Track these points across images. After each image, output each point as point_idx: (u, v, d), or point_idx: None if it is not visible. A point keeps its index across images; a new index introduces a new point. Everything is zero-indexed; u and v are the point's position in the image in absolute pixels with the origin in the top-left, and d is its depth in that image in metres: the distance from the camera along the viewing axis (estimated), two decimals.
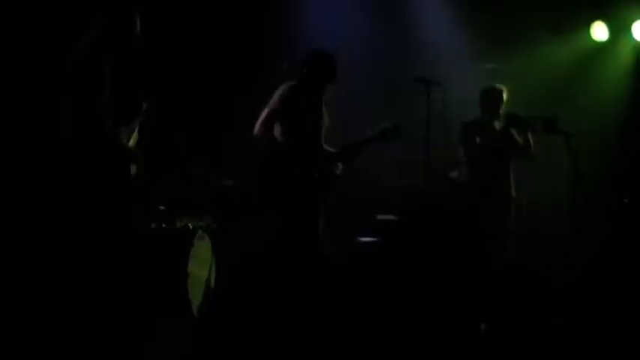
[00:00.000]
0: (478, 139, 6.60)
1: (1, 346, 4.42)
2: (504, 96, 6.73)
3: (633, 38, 7.85)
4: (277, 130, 5.53)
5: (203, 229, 6.43)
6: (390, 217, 6.94)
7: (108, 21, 4.90)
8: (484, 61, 8.11)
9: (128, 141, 5.18)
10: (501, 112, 6.70)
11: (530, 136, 6.63)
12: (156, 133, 5.46)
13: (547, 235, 7.44)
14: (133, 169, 5.12)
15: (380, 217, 7.25)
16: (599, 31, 7.92)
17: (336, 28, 7.81)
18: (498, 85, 6.78)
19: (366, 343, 2.17)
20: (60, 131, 4.82)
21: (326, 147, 5.77)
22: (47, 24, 6.13)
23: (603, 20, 7.88)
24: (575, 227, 6.02)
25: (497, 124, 6.69)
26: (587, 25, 7.95)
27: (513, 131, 6.68)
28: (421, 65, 6.83)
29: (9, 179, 5.67)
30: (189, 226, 6.41)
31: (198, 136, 7.32)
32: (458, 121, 6.52)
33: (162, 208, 6.49)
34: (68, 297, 4.70)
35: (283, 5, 7.99)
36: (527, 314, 2.93)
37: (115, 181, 4.86)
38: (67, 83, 4.86)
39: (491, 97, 6.74)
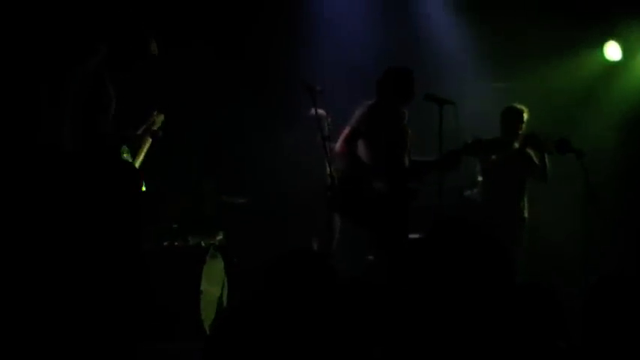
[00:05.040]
0: (494, 156, 6.59)
1: None
2: (524, 116, 6.71)
3: None
4: (361, 148, 5.60)
5: (215, 247, 6.43)
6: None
7: (115, 41, 4.93)
8: (496, 80, 8.10)
9: (135, 155, 5.20)
10: (521, 132, 6.68)
11: (547, 159, 6.62)
12: (167, 149, 5.47)
13: (559, 254, 7.40)
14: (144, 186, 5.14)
15: None
16: (612, 51, 7.91)
17: (348, 44, 7.83)
18: (519, 106, 6.76)
19: (378, 358, 2.16)
20: (63, 146, 4.83)
21: (416, 158, 5.83)
22: (58, 37, 6.16)
23: (616, 40, 7.87)
24: (588, 246, 5.98)
25: (517, 145, 6.68)
26: (600, 45, 7.94)
27: (531, 152, 6.68)
28: (433, 83, 6.80)
29: (15, 192, 5.65)
30: (201, 244, 6.41)
31: (210, 152, 7.34)
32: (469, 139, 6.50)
33: (174, 226, 6.50)
34: (79, 316, 4.69)
35: (295, 20, 8.01)
36: (535, 335, 2.90)
37: (124, 198, 4.86)
38: (71, 100, 4.88)
39: (511, 117, 6.73)
